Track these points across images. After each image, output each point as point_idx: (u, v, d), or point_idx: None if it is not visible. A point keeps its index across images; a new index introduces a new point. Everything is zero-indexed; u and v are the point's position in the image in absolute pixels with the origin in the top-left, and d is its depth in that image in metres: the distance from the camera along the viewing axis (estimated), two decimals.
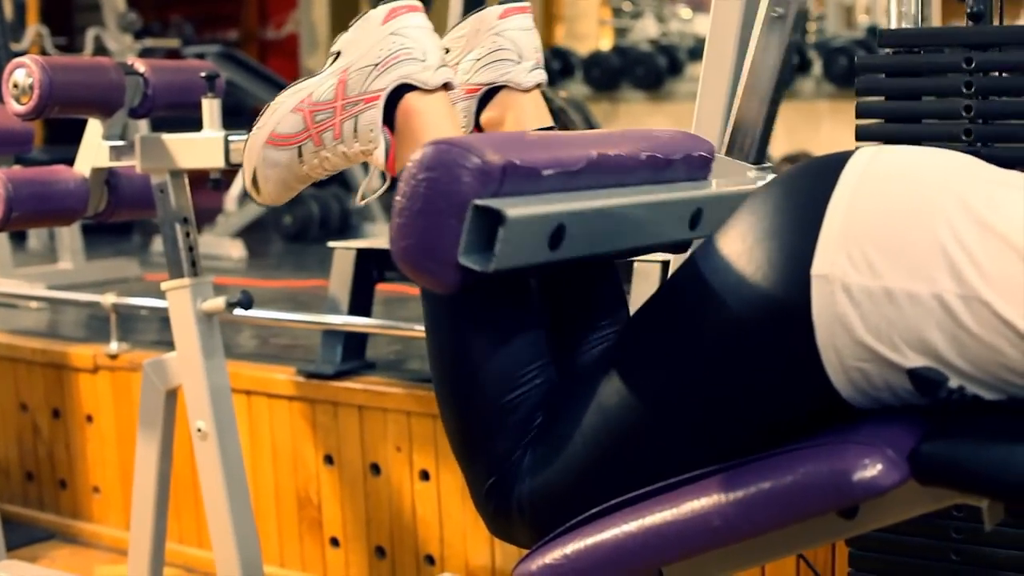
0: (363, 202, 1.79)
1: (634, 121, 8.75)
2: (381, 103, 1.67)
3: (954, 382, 1.35)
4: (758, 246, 1.42)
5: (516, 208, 1.37)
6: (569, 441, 1.53)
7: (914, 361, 1.35)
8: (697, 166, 1.75)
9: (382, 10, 1.73)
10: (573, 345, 1.67)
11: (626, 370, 1.52)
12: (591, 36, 10.78)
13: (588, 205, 1.49)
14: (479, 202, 1.38)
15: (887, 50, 2.04)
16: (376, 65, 1.68)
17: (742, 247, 1.44)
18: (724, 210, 1.71)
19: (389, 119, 1.68)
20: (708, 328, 1.45)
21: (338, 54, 1.73)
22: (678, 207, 1.66)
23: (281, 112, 1.73)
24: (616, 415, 1.51)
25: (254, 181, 1.75)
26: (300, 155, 1.71)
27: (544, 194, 1.48)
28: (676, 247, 1.76)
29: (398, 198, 1.43)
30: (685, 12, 10.95)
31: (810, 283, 1.37)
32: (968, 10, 2.01)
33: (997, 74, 1.99)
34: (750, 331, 1.41)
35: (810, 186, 1.44)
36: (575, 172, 1.53)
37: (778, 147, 8.13)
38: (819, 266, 1.37)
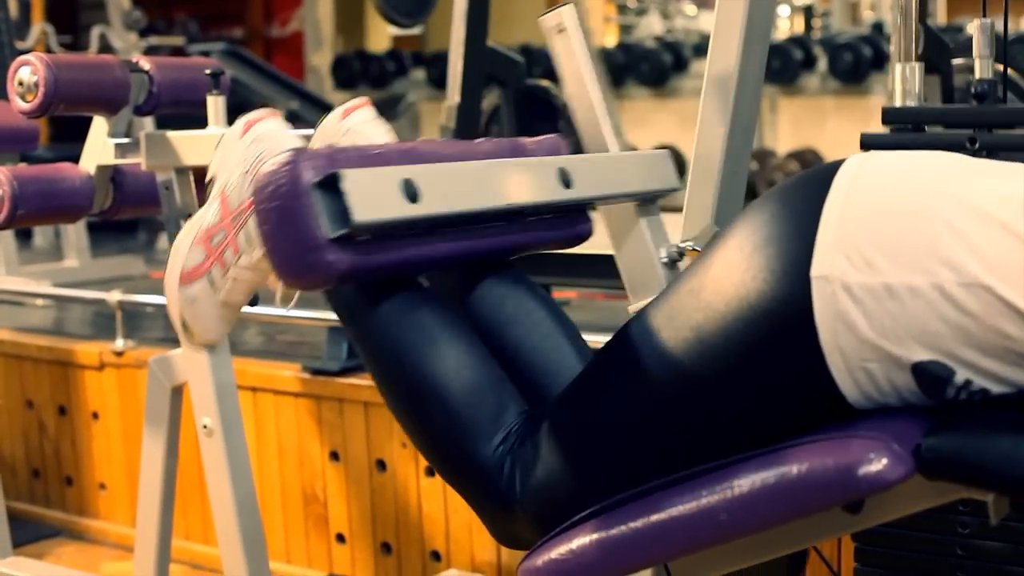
0: (290, 306, 1.83)
1: (639, 117, 8.75)
2: None
3: (960, 376, 1.35)
4: (756, 253, 1.43)
5: (353, 171, 1.48)
6: (571, 438, 1.54)
7: (920, 355, 1.35)
8: (552, 148, 1.82)
9: (238, 125, 1.84)
10: (519, 357, 1.71)
11: (627, 372, 1.52)
12: (596, 33, 10.77)
13: (432, 165, 1.59)
14: (315, 180, 1.47)
15: (891, 127, 2.04)
16: (246, 173, 1.76)
17: (740, 255, 1.45)
18: (599, 171, 1.82)
19: None
20: (709, 335, 1.45)
21: (213, 179, 1.80)
22: (538, 167, 1.75)
23: (183, 251, 1.79)
24: (617, 414, 1.52)
25: (184, 325, 1.79)
26: (212, 283, 1.76)
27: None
28: (571, 226, 1.82)
29: (258, 229, 1.52)
30: (690, 8, 10.94)
31: (810, 285, 1.37)
32: (973, 90, 2.02)
33: (1001, 154, 1.98)
34: (752, 337, 1.42)
35: (804, 194, 1.45)
36: (407, 150, 1.64)
37: (783, 143, 8.12)
38: (818, 268, 1.37)
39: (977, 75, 2.03)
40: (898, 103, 2.09)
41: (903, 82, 2.09)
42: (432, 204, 1.55)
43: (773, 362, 1.41)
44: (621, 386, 1.52)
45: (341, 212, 1.47)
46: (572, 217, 1.84)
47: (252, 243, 1.69)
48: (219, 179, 1.78)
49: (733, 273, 1.44)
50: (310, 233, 1.48)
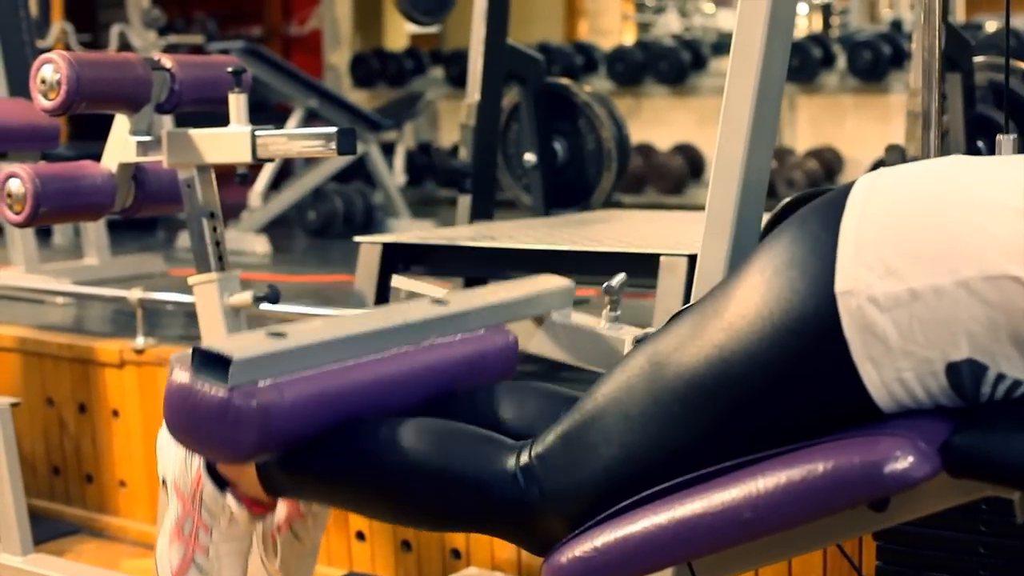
0: (305, 558, 1.92)
1: (657, 116, 8.73)
2: (205, 476, 1.81)
3: (993, 371, 1.34)
4: (778, 276, 1.44)
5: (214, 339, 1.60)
6: (592, 438, 1.54)
7: (952, 355, 1.34)
8: None
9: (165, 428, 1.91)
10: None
11: (647, 382, 1.52)
12: (614, 31, 10.75)
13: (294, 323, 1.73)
14: (189, 368, 1.61)
15: None
16: (184, 459, 1.84)
17: (761, 279, 1.46)
18: (471, 295, 1.93)
19: (222, 483, 1.81)
20: (731, 353, 1.46)
21: (164, 480, 1.88)
22: (408, 303, 1.90)
23: (165, 554, 1.85)
24: (638, 419, 1.52)
25: None
26: (201, 570, 1.83)
27: None
28: (489, 339, 1.87)
29: (182, 442, 1.67)
30: (708, 7, 10.93)
31: (836, 301, 1.37)
32: None
33: None
34: (778, 357, 1.42)
35: (820, 216, 1.46)
36: None
37: (802, 142, 8.10)
38: (842, 283, 1.38)
39: None
40: None
41: None
42: (300, 338, 1.64)
43: (802, 378, 1.42)
44: (641, 394, 1.52)
45: (222, 363, 1.56)
46: (484, 335, 1.86)
47: (214, 515, 1.78)
48: (168, 476, 1.86)
49: (755, 295, 1.45)
50: (215, 401, 1.57)
